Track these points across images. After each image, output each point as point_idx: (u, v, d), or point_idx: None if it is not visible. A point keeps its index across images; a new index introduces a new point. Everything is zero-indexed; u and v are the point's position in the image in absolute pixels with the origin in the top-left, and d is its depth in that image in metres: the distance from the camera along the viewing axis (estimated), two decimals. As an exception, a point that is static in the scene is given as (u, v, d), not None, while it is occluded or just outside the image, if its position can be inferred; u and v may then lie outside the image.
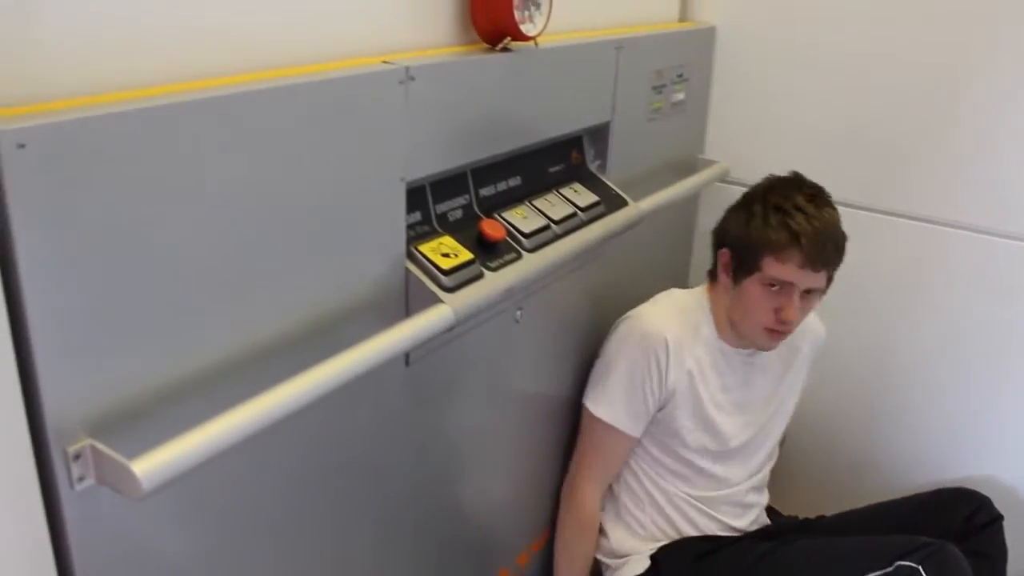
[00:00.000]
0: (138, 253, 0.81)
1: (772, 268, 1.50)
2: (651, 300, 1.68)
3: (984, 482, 1.81)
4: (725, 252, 1.60)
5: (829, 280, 1.54)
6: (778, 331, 1.55)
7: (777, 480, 1.81)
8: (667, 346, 1.57)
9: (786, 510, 1.87)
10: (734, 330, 1.62)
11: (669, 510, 1.69)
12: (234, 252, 0.90)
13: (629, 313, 1.67)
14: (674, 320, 1.61)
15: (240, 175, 0.89)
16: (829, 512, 1.82)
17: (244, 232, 0.91)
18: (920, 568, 1.42)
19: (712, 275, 1.66)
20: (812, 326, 1.75)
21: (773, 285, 1.51)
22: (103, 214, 0.77)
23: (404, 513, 1.31)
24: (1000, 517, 1.65)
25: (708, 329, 1.64)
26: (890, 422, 2.00)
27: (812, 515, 1.82)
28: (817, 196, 1.52)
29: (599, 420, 1.63)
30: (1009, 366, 1.82)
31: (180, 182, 0.83)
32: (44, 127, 0.71)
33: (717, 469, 1.68)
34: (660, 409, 1.62)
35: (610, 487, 1.72)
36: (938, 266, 1.84)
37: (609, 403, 1.62)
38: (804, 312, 1.55)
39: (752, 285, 1.54)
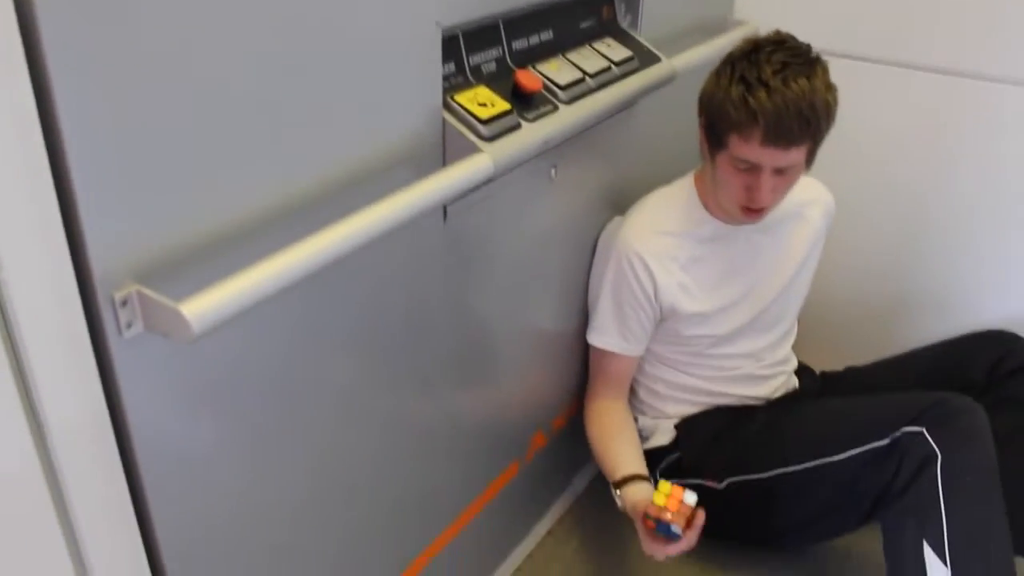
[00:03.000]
0: (175, 85, 0.77)
1: (737, 147, 1.36)
2: (631, 210, 1.59)
3: (1020, 324, 1.73)
4: (703, 120, 1.45)
5: (810, 153, 1.39)
6: (754, 210, 1.44)
7: (806, 332, 1.79)
8: (647, 265, 1.50)
9: (816, 363, 1.85)
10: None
11: (687, 396, 1.68)
12: (271, 91, 0.87)
13: (607, 227, 1.61)
14: (653, 229, 1.53)
15: (277, 10, 0.85)
16: (860, 362, 1.81)
17: (282, 71, 0.87)
18: (924, 431, 1.35)
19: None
20: (819, 196, 1.65)
21: (742, 163, 1.38)
22: (141, 43, 0.73)
23: (442, 371, 1.31)
24: None
25: (697, 219, 1.54)
26: (920, 268, 1.97)
27: (840, 367, 1.82)
28: (788, 66, 1.32)
29: (595, 348, 1.61)
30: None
31: (219, 9, 0.79)
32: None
33: (729, 350, 1.63)
34: (661, 322, 1.58)
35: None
36: (970, 115, 1.79)
37: (602, 330, 1.59)
38: (780, 191, 1.43)
39: (723, 162, 1.41)
